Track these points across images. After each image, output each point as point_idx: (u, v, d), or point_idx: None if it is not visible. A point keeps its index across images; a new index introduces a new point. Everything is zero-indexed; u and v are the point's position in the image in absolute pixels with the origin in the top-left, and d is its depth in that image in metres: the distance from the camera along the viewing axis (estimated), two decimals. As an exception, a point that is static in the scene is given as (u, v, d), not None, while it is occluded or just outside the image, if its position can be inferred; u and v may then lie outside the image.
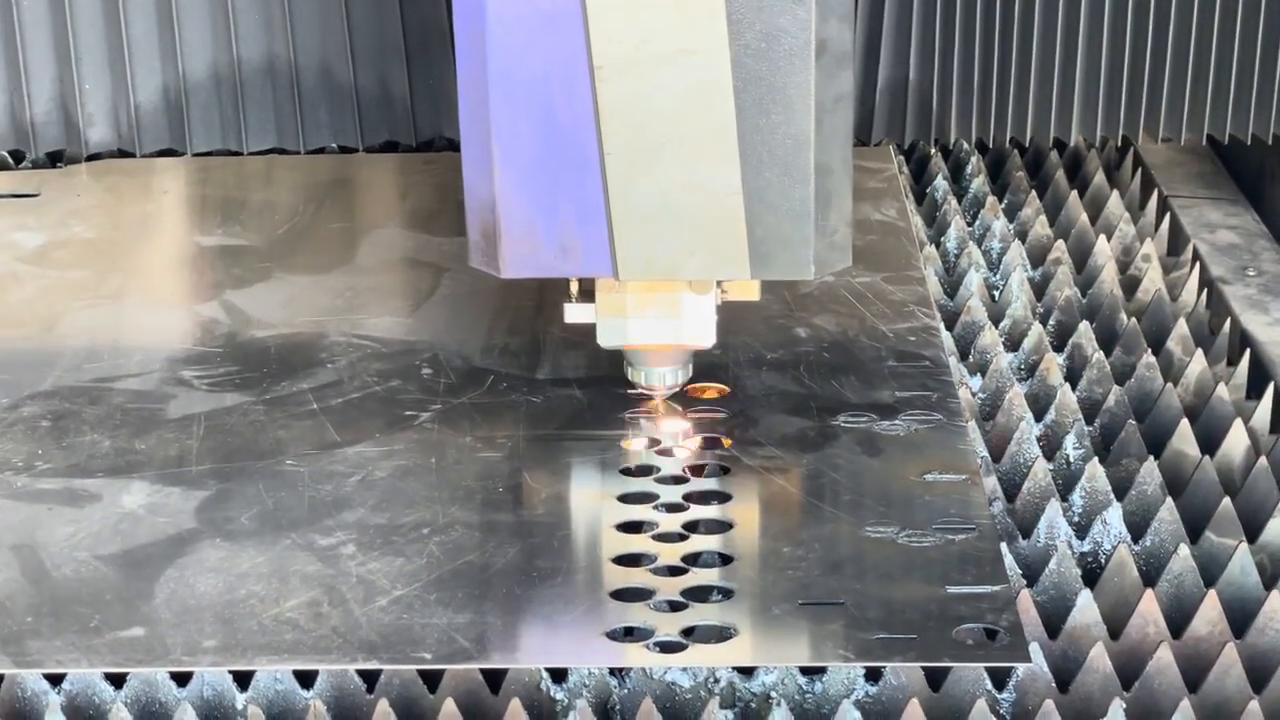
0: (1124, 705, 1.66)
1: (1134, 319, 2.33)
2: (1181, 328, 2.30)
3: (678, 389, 2.08)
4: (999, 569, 1.78)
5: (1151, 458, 2.01)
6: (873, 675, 1.70)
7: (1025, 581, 1.85)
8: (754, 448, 2.00)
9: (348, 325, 2.30)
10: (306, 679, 1.70)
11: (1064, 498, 1.99)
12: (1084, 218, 2.63)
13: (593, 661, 1.69)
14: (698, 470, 1.98)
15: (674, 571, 1.80)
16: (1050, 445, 2.09)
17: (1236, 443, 2.05)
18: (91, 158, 2.81)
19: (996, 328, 2.33)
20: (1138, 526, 1.94)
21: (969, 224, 2.67)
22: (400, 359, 2.22)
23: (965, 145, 2.87)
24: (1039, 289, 2.47)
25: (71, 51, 2.73)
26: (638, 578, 1.79)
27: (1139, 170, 2.81)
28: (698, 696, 1.70)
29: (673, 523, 1.88)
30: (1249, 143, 2.64)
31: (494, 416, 2.08)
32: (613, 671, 1.71)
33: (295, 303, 2.37)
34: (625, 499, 1.92)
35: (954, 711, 1.67)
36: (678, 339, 2.01)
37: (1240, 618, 1.78)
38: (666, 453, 2.00)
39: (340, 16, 2.72)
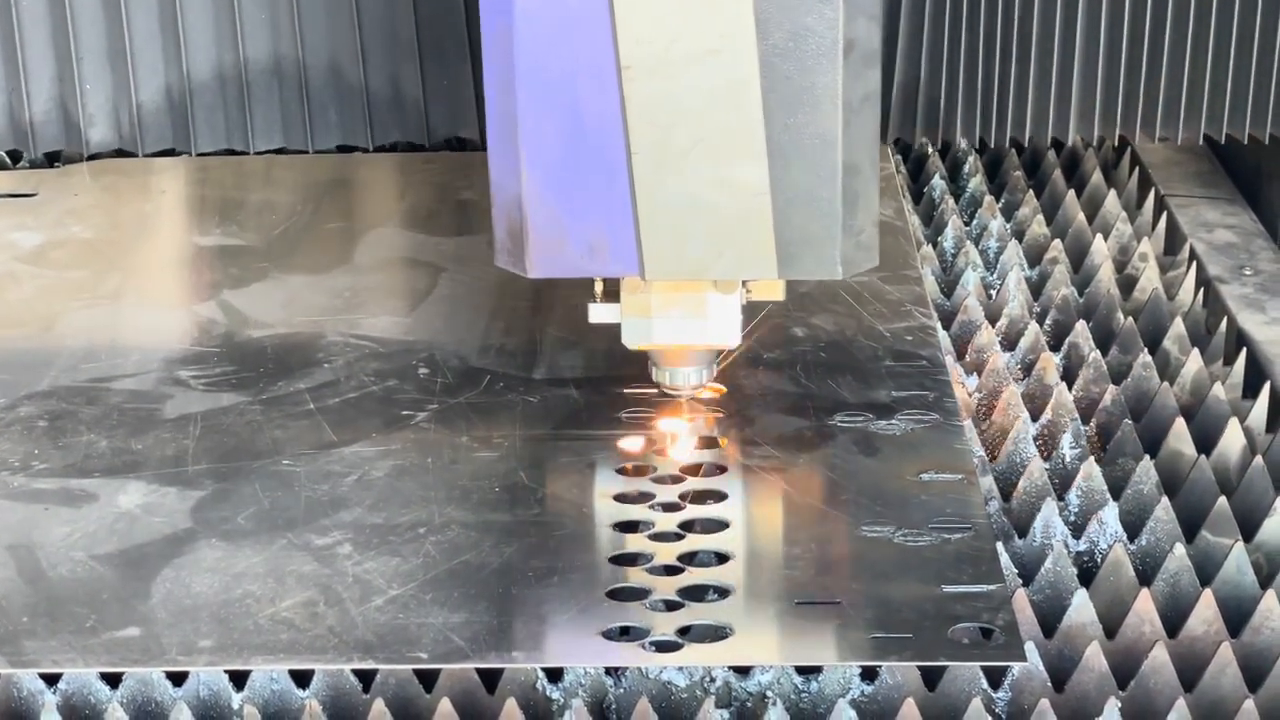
0: (1119, 704, 1.66)
1: (1131, 318, 2.33)
2: (1178, 327, 2.30)
3: (702, 389, 2.08)
4: (995, 568, 1.78)
5: (1148, 457, 2.01)
6: (868, 674, 1.70)
7: (1021, 581, 1.85)
8: (751, 447, 2.00)
9: (345, 325, 2.31)
10: (302, 679, 1.70)
11: (1060, 497, 1.99)
12: (1081, 217, 2.64)
13: (589, 661, 1.69)
14: (694, 470, 1.98)
15: (670, 571, 1.80)
16: (1047, 444, 2.09)
17: (1233, 442, 2.05)
18: (91, 157, 2.81)
19: (993, 327, 2.34)
20: (1134, 525, 1.94)
21: (966, 223, 2.68)
22: (397, 359, 2.22)
23: (963, 145, 2.87)
24: (1036, 288, 2.47)
25: (72, 50, 2.72)
26: (634, 577, 1.79)
27: (1136, 169, 2.81)
28: (694, 696, 1.70)
29: (669, 522, 1.88)
30: (1246, 142, 2.64)
31: (491, 416, 2.08)
32: (608, 671, 1.71)
33: (293, 303, 2.37)
34: (621, 498, 1.92)
35: (949, 710, 1.67)
36: (703, 338, 2.01)
37: (1236, 617, 1.78)
38: (663, 452, 2.00)
39: (350, 14, 2.71)
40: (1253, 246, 2.60)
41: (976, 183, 2.78)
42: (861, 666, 1.69)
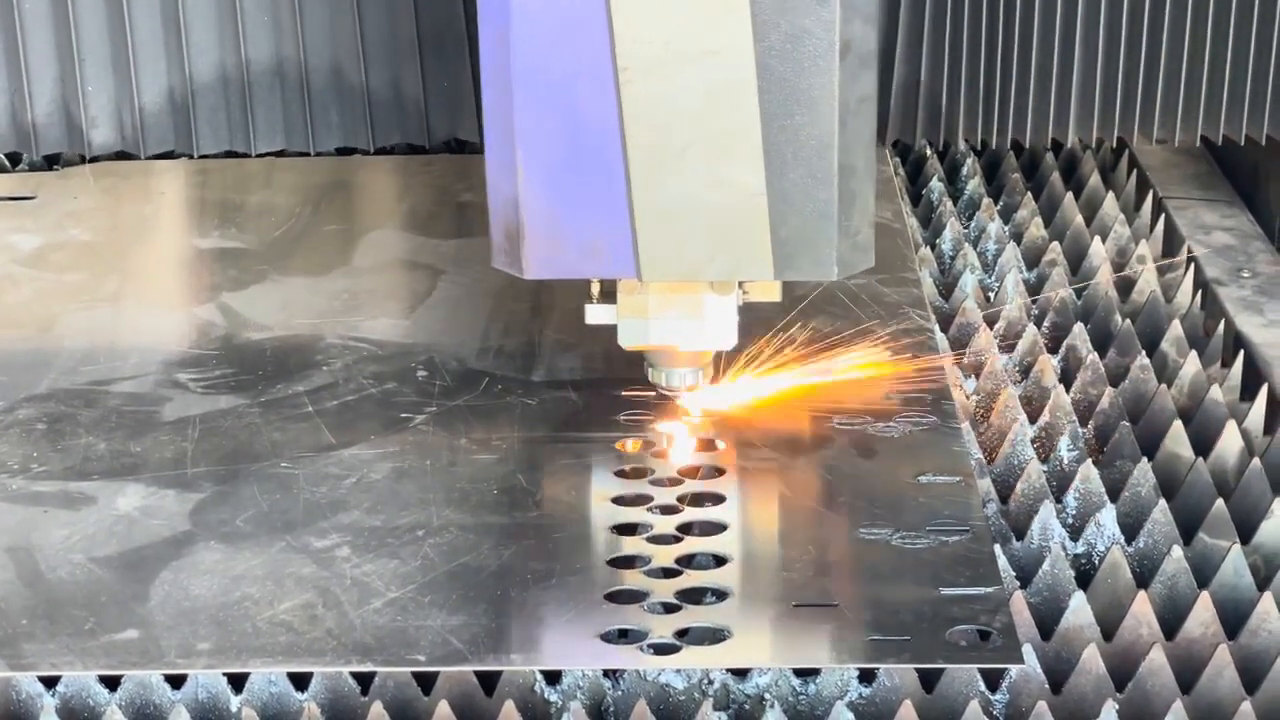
0: (1117, 707, 1.67)
1: (1128, 320, 2.33)
2: (1176, 329, 2.30)
3: (698, 390, 2.08)
4: (993, 571, 1.78)
5: (1145, 459, 2.01)
6: (866, 677, 1.70)
7: (1019, 583, 1.85)
8: (749, 449, 2.01)
9: (344, 327, 2.31)
10: (301, 681, 1.70)
11: (1058, 499, 1.99)
12: (1079, 219, 2.64)
13: (587, 663, 1.70)
14: (693, 472, 1.98)
15: (668, 573, 1.80)
16: (1044, 447, 2.09)
17: (1230, 444, 2.05)
18: (94, 160, 2.81)
19: (991, 329, 2.34)
20: (1131, 528, 1.94)
21: (964, 225, 2.68)
22: (396, 361, 2.22)
23: (961, 147, 2.87)
24: (1034, 290, 2.47)
25: (74, 52, 2.72)
26: (632, 579, 1.79)
27: (1134, 172, 2.81)
28: (691, 698, 1.70)
29: (667, 524, 1.88)
30: (1243, 144, 2.64)
31: (489, 419, 2.08)
32: (607, 673, 1.71)
33: (291, 305, 2.37)
34: (620, 501, 1.92)
35: (947, 713, 1.67)
36: (699, 340, 2.01)
37: (1233, 619, 1.78)
38: (661, 455, 2.01)
39: (352, 16, 2.71)
40: (1250, 249, 2.60)
41: (975, 185, 2.78)
42: (859, 669, 1.70)
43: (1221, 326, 2.35)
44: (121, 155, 2.81)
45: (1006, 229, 2.65)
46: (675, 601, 1.75)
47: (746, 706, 1.70)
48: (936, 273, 2.52)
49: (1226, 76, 2.59)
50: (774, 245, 1.89)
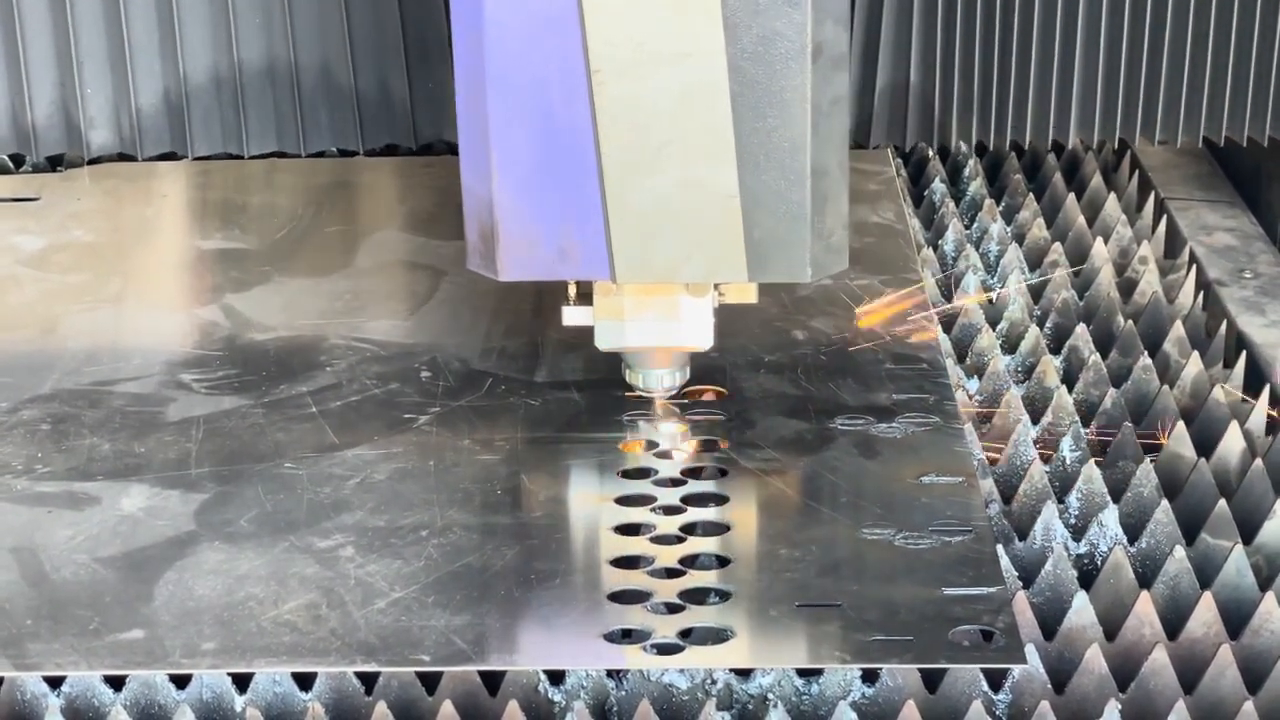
0: (1120, 706, 1.67)
1: (1131, 321, 2.33)
2: (1178, 330, 2.31)
3: (675, 391, 2.09)
4: (995, 571, 1.78)
5: (1148, 459, 2.01)
6: (869, 677, 1.70)
7: (1021, 583, 1.85)
8: (752, 450, 2.01)
9: (347, 328, 2.31)
10: (305, 681, 1.71)
11: (1060, 499, 1.99)
12: (1081, 220, 2.64)
13: (590, 663, 1.70)
14: (696, 473, 1.98)
15: (671, 574, 1.80)
16: (1047, 447, 2.09)
17: (1232, 445, 2.06)
18: (93, 161, 2.82)
19: (994, 330, 2.34)
20: (1134, 528, 1.94)
21: (967, 226, 2.68)
22: (399, 362, 2.22)
23: (963, 148, 2.87)
24: (1036, 291, 2.47)
25: (73, 55, 2.73)
26: (635, 580, 1.79)
27: (1136, 172, 2.82)
28: (695, 698, 1.70)
29: (670, 525, 1.88)
30: (1245, 145, 2.64)
31: (492, 419, 2.08)
32: (610, 673, 1.71)
33: (294, 306, 2.38)
34: (623, 501, 1.93)
35: (950, 713, 1.68)
36: (675, 341, 2.02)
37: (1236, 619, 1.79)
38: (664, 455, 2.01)
39: (340, 20, 2.73)
40: (1252, 249, 2.60)
41: (977, 186, 2.79)
42: (862, 669, 1.70)
43: (1224, 327, 2.35)
44: (121, 157, 2.82)
45: (1009, 230, 2.65)
46: (678, 602, 1.75)
47: (750, 706, 1.71)
48: (939, 273, 2.52)
49: (1228, 77, 2.59)
50: (748, 247, 1.89)
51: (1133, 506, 1.97)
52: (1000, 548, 1.84)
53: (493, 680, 1.69)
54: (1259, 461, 2.00)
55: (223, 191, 2.75)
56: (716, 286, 2.01)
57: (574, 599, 1.76)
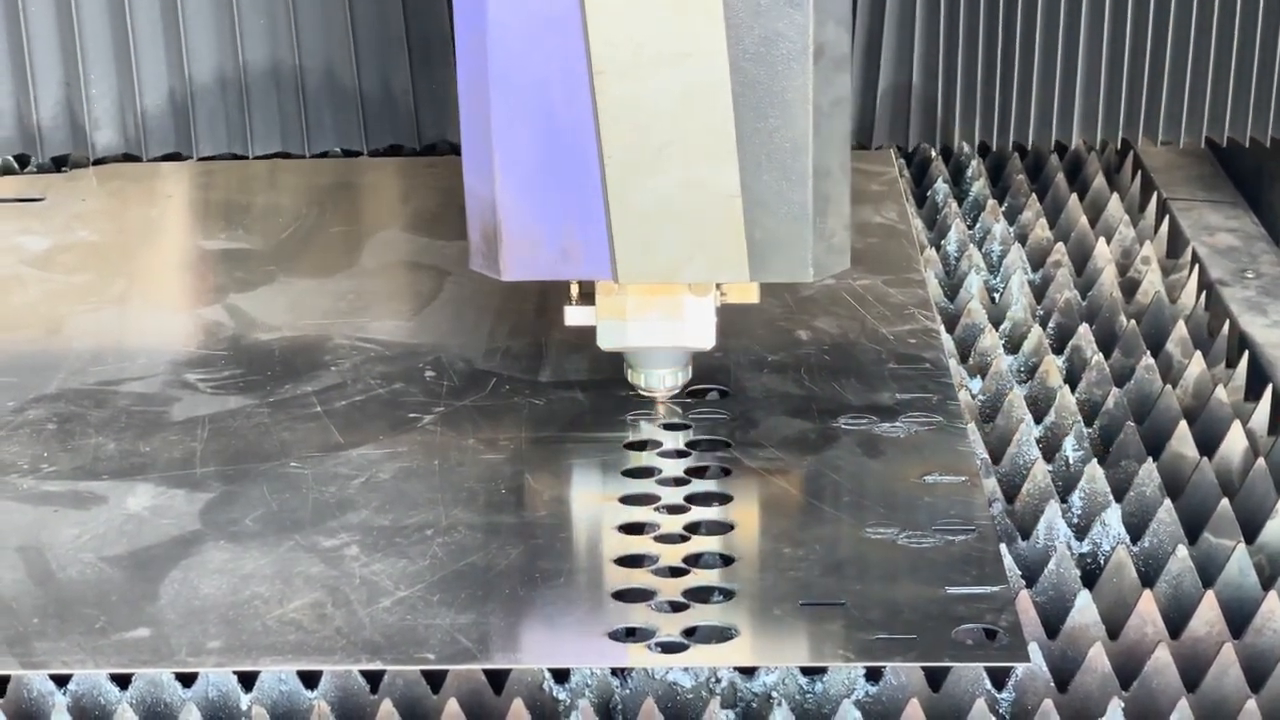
0: (1122, 705, 1.67)
1: (1133, 321, 2.34)
2: (1180, 330, 2.31)
3: (677, 391, 2.09)
4: (998, 570, 1.79)
5: (1150, 459, 2.02)
6: (873, 675, 1.71)
7: (1024, 582, 1.86)
8: (755, 449, 2.01)
9: (351, 328, 2.32)
10: (311, 679, 1.71)
11: (1063, 499, 2.00)
12: (1084, 220, 2.64)
13: (595, 662, 1.70)
14: (699, 472, 1.99)
15: (675, 572, 1.81)
16: (1050, 447, 2.10)
17: (1235, 444, 2.06)
18: (98, 162, 2.83)
19: (997, 330, 2.34)
20: (1136, 527, 1.95)
21: (969, 227, 2.68)
22: (403, 362, 2.23)
23: (966, 149, 2.88)
24: (1039, 291, 2.48)
25: (78, 56, 2.74)
26: (639, 579, 1.80)
27: (1138, 173, 2.82)
28: (699, 696, 1.71)
29: (674, 524, 1.89)
30: (1247, 145, 2.65)
31: (497, 419, 2.09)
32: (615, 672, 1.72)
33: (299, 306, 2.38)
34: (627, 500, 1.93)
35: (954, 711, 1.68)
36: (677, 341, 2.02)
37: (1238, 618, 1.79)
38: (668, 455, 2.01)
39: (344, 21, 2.73)
40: (1254, 250, 2.61)
41: (980, 186, 2.79)
42: (866, 667, 1.70)
43: (1226, 327, 2.35)
44: (126, 157, 2.82)
45: (1011, 230, 2.66)
46: (683, 600, 1.76)
47: (754, 704, 1.71)
48: (942, 274, 2.52)
49: (1230, 78, 2.60)
50: (749, 247, 1.90)
51: (1135, 506, 1.98)
52: (1003, 547, 1.85)
53: (497, 679, 1.70)
54: (1261, 461, 2.00)
55: (227, 192, 2.75)
56: (719, 286, 2.01)
57: (578, 598, 1.76)
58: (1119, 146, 2.82)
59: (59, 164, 2.85)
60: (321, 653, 1.69)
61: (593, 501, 1.94)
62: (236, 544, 1.86)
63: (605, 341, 2.03)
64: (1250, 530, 1.93)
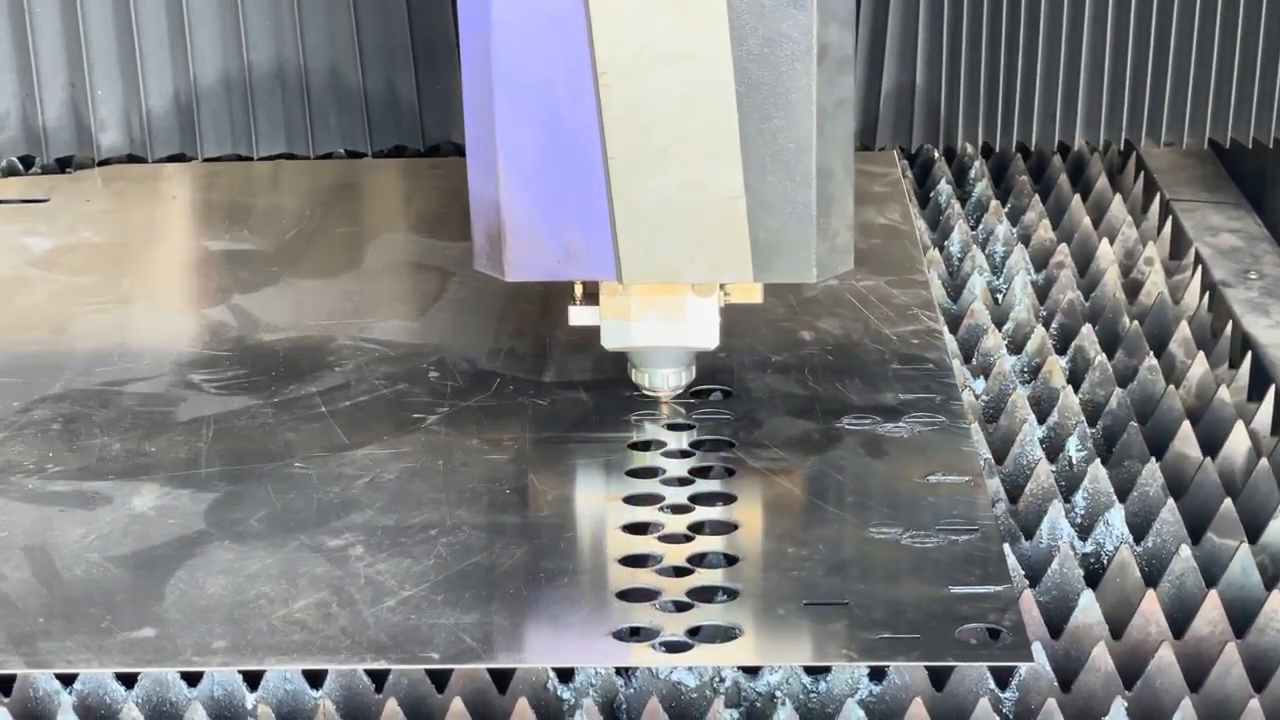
0: (1126, 704, 1.68)
1: (1136, 322, 2.34)
2: (1183, 330, 2.31)
3: (681, 391, 2.10)
4: (1002, 569, 1.79)
5: (1153, 459, 2.02)
6: (877, 675, 1.71)
7: (1028, 582, 1.86)
8: (759, 449, 2.02)
9: (355, 329, 2.32)
10: (316, 679, 1.72)
11: (1066, 499, 2.00)
12: (1087, 221, 2.65)
13: (599, 661, 1.71)
14: (703, 472, 1.99)
15: (679, 572, 1.81)
16: (1053, 447, 2.10)
17: (1238, 445, 2.06)
18: (103, 163, 2.83)
19: (1000, 331, 2.35)
20: (1140, 527, 1.95)
21: (972, 228, 2.69)
22: (408, 362, 2.23)
23: (969, 150, 2.88)
24: (1042, 292, 2.48)
25: (84, 57, 2.74)
26: (643, 578, 1.80)
27: (1141, 174, 2.82)
28: (703, 696, 1.71)
29: (678, 524, 1.89)
30: (1250, 146, 2.65)
31: (501, 419, 2.09)
32: (619, 671, 1.72)
33: (303, 306, 2.39)
34: (631, 500, 1.94)
35: (957, 710, 1.68)
36: (681, 341, 2.03)
37: (1241, 618, 1.79)
38: (672, 455, 2.02)
39: (349, 22, 2.74)
40: (1257, 250, 2.61)
41: (983, 187, 2.79)
42: (869, 667, 1.71)
43: (1229, 328, 2.35)
44: (131, 158, 2.83)
45: (1014, 231, 2.66)
46: (687, 600, 1.76)
47: (758, 704, 1.71)
48: (945, 274, 2.53)
49: (1233, 79, 2.60)
50: (753, 247, 1.90)
51: (1139, 506, 1.98)
52: (1007, 546, 1.85)
53: (502, 678, 1.70)
54: (1264, 461, 2.01)
55: (231, 193, 2.76)
56: (722, 286, 2.02)
57: (582, 597, 1.77)
58: (1122, 147, 2.82)
59: (64, 165, 2.86)
60: (326, 652, 1.70)
61: (597, 501, 1.94)
62: (241, 544, 1.86)
63: (609, 341, 2.03)
64: (1253, 530, 1.93)
